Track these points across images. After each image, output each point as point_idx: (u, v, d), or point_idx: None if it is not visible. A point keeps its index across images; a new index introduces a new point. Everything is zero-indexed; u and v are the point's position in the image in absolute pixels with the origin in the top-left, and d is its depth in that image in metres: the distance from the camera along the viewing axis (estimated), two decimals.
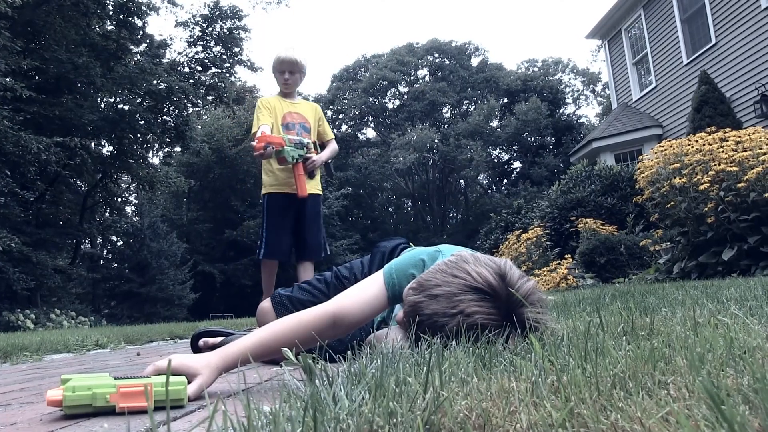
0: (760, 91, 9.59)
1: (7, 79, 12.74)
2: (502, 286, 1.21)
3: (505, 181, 42.15)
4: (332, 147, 4.24)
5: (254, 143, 3.56)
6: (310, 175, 3.92)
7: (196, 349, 2.27)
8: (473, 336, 1.10)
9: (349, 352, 1.02)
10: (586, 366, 0.71)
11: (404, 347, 1.09)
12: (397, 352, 0.94)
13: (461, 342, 1.05)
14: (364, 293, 1.41)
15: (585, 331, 0.98)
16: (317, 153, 4.06)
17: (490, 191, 42.61)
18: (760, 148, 5.18)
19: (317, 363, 0.86)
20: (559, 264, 8.54)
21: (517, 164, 41.80)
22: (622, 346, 0.85)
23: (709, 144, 5.62)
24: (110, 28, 18.99)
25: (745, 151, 5.23)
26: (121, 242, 26.46)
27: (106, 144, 20.11)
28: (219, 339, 2.19)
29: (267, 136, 3.58)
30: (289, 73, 4.06)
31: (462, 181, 41.32)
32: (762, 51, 9.64)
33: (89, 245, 26.68)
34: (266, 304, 2.02)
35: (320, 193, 4.21)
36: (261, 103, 4.06)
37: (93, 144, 18.08)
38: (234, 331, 2.28)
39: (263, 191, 4.04)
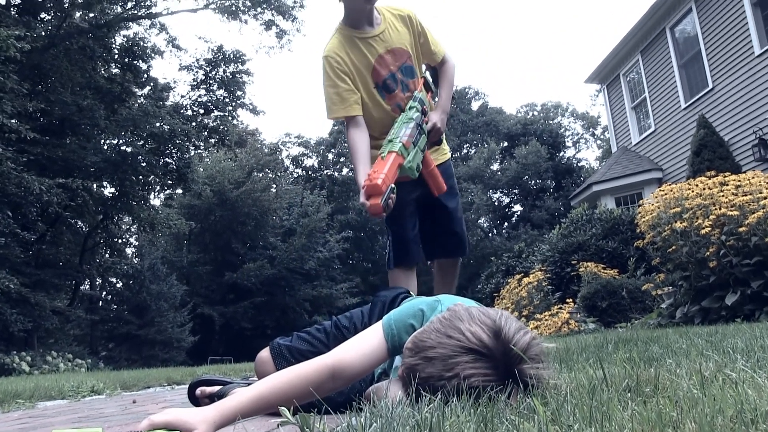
0: (757, 135, 9.65)
1: (13, 121, 12.89)
2: (497, 344, 1.16)
3: (506, 224, 42.20)
4: (449, 71, 2.71)
5: (364, 201, 2.15)
6: (439, 142, 2.64)
7: (193, 397, 2.23)
8: (474, 394, 1.07)
9: (348, 408, 1.00)
10: (591, 430, 0.69)
11: (404, 403, 1.07)
12: (396, 414, 0.91)
13: (462, 399, 1.02)
14: (363, 345, 1.39)
15: (589, 390, 0.96)
16: (431, 92, 2.66)
17: (490, 234, 42.60)
18: (760, 193, 5.18)
19: (315, 421, 0.84)
20: (560, 308, 8.47)
21: (517, 207, 41.93)
22: (628, 406, 0.83)
23: (709, 188, 5.62)
24: (115, 71, 19.32)
25: (746, 195, 5.23)
26: (121, 284, 26.38)
27: (108, 185, 20.22)
28: (217, 388, 2.16)
29: (376, 183, 2.10)
30: None
31: None
32: (758, 95, 9.74)
33: (88, 286, 26.58)
34: (265, 353, 1.99)
35: (449, 157, 2.84)
36: (330, 64, 2.47)
37: (95, 185, 18.17)
38: (232, 380, 2.24)
39: None
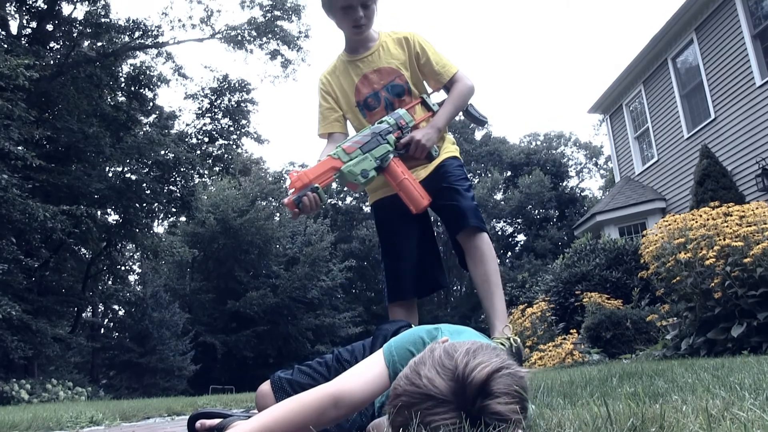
0: (760, 165, 9.66)
1: (20, 148, 12.97)
2: (453, 386, 1.09)
3: (510, 253, 42.11)
4: (458, 89, 2.60)
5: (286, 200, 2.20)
6: (428, 158, 2.51)
7: (192, 430, 2.20)
8: None
9: None
10: None
11: None
12: None
13: None
14: (365, 373, 1.38)
15: (593, 430, 0.94)
16: (431, 112, 2.59)
17: None
18: (765, 223, 5.16)
19: None
20: (564, 339, 8.40)
21: (521, 237, 41.89)
22: None
23: (713, 219, 5.61)
24: (121, 99, 19.50)
25: (750, 225, 5.22)
26: (123, 311, 26.30)
27: (112, 212, 20.27)
28: (217, 421, 2.13)
29: (294, 177, 2.19)
30: (362, 6, 2.45)
31: None
32: (760, 126, 9.78)
33: (90, 313, 26.50)
34: (265, 387, 1.96)
35: (456, 155, 2.65)
36: (320, 84, 2.66)
37: (99, 212, 18.23)
38: (232, 412, 2.21)
39: (369, 202, 2.77)
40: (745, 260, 4.97)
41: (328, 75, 2.63)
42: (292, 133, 75.03)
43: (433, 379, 1.10)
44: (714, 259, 5.17)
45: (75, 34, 17.88)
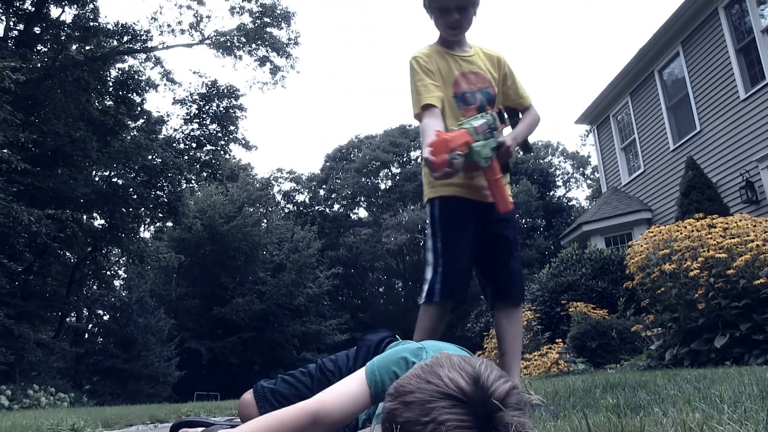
0: (744, 177, 9.77)
1: (5, 151, 12.88)
2: (476, 391, 1.16)
3: None
4: (533, 114, 2.71)
5: (429, 155, 1.99)
6: (505, 169, 2.47)
7: None
8: None
9: None
10: None
11: None
12: None
13: None
14: (345, 391, 1.38)
15: None
16: (504, 125, 2.59)
17: None
18: (747, 235, 5.22)
19: None
20: (550, 348, 8.43)
21: None
22: None
23: (698, 230, 5.66)
24: (109, 103, 19.39)
25: (733, 237, 5.27)
26: (108, 316, 26.07)
27: (98, 217, 20.13)
28: (199, 430, 2.12)
29: (445, 137, 2.03)
30: (458, 10, 2.48)
31: None
32: (744, 138, 9.88)
33: (74, 318, 26.26)
34: (248, 396, 1.96)
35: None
36: (418, 62, 2.53)
37: (85, 217, 18.09)
38: (215, 421, 2.20)
39: (430, 194, 2.55)
40: (729, 272, 5.01)
41: (427, 55, 2.55)
42: (280, 140, 74.98)
43: (457, 381, 1.16)
44: (698, 271, 5.22)
45: (63, 38, 17.80)
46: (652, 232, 6.11)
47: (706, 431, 1.04)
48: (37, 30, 17.87)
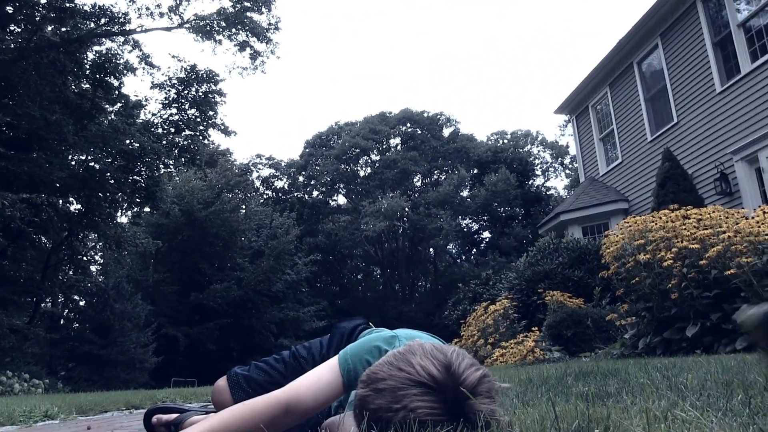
0: (719, 170, 9.91)
1: None
2: (446, 378, 1.17)
3: (474, 250, 42.43)
4: None
5: None
6: None
7: (149, 425, 2.19)
8: (424, 429, 1.07)
9: None
10: None
11: None
12: None
13: None
14: (318, 379, 1.38)
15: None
16: None
17: (459, 260, 42.77)
18: (720, 227, 5.31)
19: None
20: (526, 336, 8.52)
21: (486, 234, 42.24)
22: None
23: (672, 221, 5.75)
24: (86, 86, 19.07)
25: (706, 229, 5.36)
26: (84, 302, 25.77)
27: (74, 201, 19.85)
28: (174, 416, 2.12)
29: None
30: None
31: (431, 249, 41.45)
32: (719, 131, 10.02)
33: (50, 304, 25.94)
34: (222, 383, 1.96)
35: None
36: None
37: (60, 201, 17.82)
38: (189, 408, 2.20)
39: None
40: (701, 262, 5.10)
41: None
42: (259, 126, 74.42)
43: (429, 369, 1.18)
44: (672, 261, 5.30)
45: (38, 18, 17.42)
46: (627, 222, 6.19)
47: (670, 418, 1.07)
48: (9, 9, 17.46)
